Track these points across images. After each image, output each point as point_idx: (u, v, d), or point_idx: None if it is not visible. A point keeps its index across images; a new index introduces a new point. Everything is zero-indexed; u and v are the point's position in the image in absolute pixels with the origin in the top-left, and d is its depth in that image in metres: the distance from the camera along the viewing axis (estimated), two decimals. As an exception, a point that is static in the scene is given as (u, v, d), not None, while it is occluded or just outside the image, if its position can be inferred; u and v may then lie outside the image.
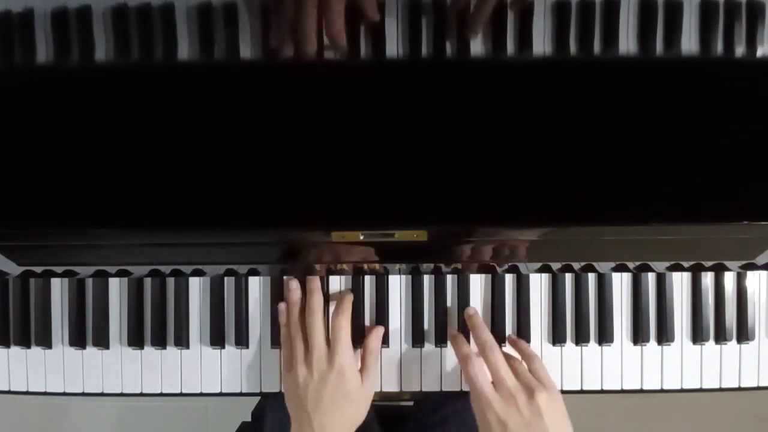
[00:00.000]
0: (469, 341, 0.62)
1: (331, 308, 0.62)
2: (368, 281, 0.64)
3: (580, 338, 0.63)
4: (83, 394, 0.65)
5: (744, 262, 0.63)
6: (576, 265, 0.64)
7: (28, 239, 0.60)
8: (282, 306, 0.63)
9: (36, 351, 0.65)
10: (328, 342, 0.59)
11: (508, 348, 0.63)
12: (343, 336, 0.59)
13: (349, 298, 0.62)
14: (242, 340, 0.64)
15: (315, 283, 0.62)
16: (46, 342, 0.64)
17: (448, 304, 0.64)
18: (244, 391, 0.65)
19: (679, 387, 0.64)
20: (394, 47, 0.55)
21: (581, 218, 0.56)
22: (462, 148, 0.56)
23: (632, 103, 0.55)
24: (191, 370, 0.64)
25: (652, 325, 0.64)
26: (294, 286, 0.62)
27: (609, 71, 0.56)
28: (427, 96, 0.56)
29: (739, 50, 0.55)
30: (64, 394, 0.65)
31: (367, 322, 0.64)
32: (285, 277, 0.63)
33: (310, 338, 0.59)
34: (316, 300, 0.61)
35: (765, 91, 0.55)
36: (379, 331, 0.62)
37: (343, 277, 0.64)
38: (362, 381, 0.59)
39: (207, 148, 0.56)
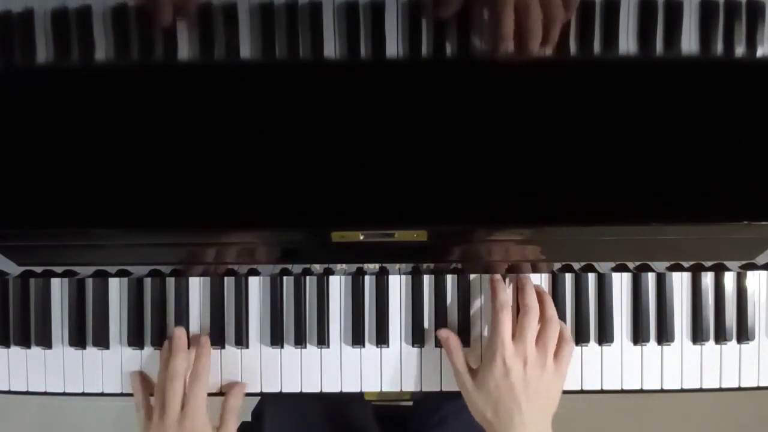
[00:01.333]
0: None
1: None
2: (368, 281, 0.64)
3: (580, 338, 0.63)
4: (83, 394, 0.65)
5: (744, 262, 0.63)
6: (576, 265, 0.64)
7: (28, 239, 0.60)
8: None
9: (36, 351, 0.65)
10: (182, 405, 0.59)
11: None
12: (197, 401, 0.59)
13: (207, 359, 0.61)
14: (242, 340, 0.64)
15: (180, 341, 0.61)
16: (46, 342, 0.64)
17: (448, 304, 0.64)
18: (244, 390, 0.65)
19: (679, 387, 0.64)
20: (394, 47, 0.55)
21: (581, 218, 0.56)
22: (462, 148, 0.56)
23: (632, 103, 0.55)
24: (191, 370, 0.64)
25: (652, 325, 0.63)
26: (165, 346, 0.62)
27: (609, 71, 0.56)
28: (427, 96, 0.56)
29: (739, 50, 0.55)
30: (64, 394, 0.65)
31: (367, 322, 0.64)
32: (174, 333, 0.62)
33: (166, 402, 0.58)
34: (180, 363, 0.60)
35: (765, 91, 0.55)
36: (241, 388, 0.62)
37: (343, 277, 0.64)
38: None
39: (207, 149, 0.56)
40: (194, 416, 0.58)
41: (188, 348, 0.61)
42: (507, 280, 0.63)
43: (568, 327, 0.62)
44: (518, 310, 0.61)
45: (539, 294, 0.61)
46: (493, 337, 0.58)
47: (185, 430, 0.57)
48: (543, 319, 0.60)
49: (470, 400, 0.59)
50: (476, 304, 0.64)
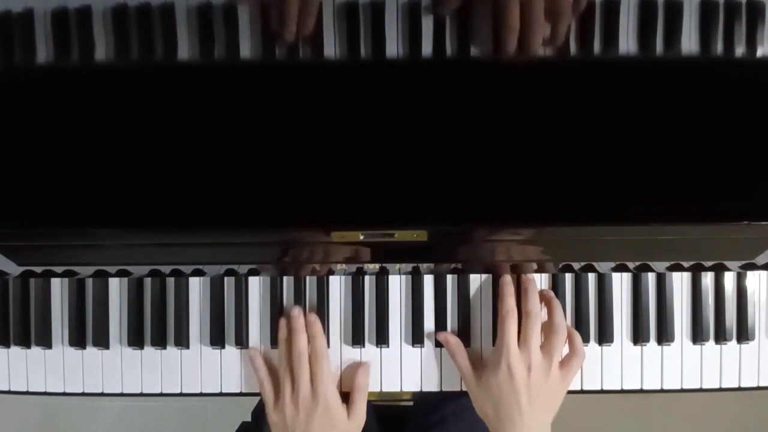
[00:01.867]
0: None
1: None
2: (368, 281, 0.64)
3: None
4: (83, 394, 0.65)
5: (744, 262, 0.63)
6: (576, 265, 0.64)
7: (28, 239, 0.60)
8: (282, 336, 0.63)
9: (36, 351, 0.65)
10: (311, 381, 0.60)
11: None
12: (325, 376, 0.60)
13: (321, 335, 0.62)
14: (242, 340, 0.64)
15: (299, 322, 0.62)
16: (46, 342, 0.64)
17: (448, 304, 0.64)
18: (244, 391, 0.65)
19: (679, 387, 0.64)
20: (394, 47, 0.55)
21: (581, 218, 0.56)
22: (462, 148, 0.56)
23: (632, 104, 0.55)
24: (191, 370, 0.64)
25: (652, 325, 0.64)
26: (283, 324, 0.63)
27: (609, 71, 0.56)
28: (427, 96, 0.56)
29: (739, 50, 0.55)
30: (64, 394, 0.65)
31: (367, 322, 0.64)
32: (280, 318, 0.63)
33: (295, 379, 0.60)
34: (303, 340, 0.61)
35: (765, 91, 0.55)
36: (367, 367, 0.63)
37: (343, 277, 0.64)
38: (348, 416, 0.60)
39: (207, 149, 0.56)
40: (326, 391, 0.59)
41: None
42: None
43: (580, 340, 0.62)
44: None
45: (547, 300, 0.62)
46: (499, 342, 0.59)
47: (319, 405, 0.59)
48: (549, 326, 0.60)
49: (473, 397, 0.60)
50: (476, 304, 0.64)
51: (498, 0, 0.53)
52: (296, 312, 0.62)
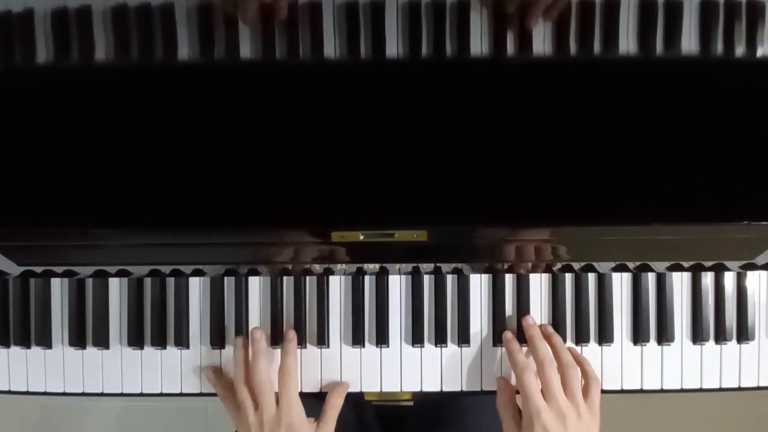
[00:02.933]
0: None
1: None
2: (368, 281, 0.64)
3: (580, 338, 0.63)
4: (83, 394, 0.65)
5: (744, 262, 0.63)
6: (576, 265, 0.64)
7: (28, 239, 0.60)
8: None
9: (36, 351, 0.65)
10: (277, 400, 0.59)
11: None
12: (291, 396, 0.59)
13: (293, 353, 0.61)
14: (242, 340, 0.64)
15: (261, 345, 0.61)
16: (46, 342, 0.64)
17: (448, 304, 0.64)
18: (244, 391, 0.64)
19: (679, 387, 0.64)
20: (394, 47, 0.55)
21: (581, 218, 0.56)
22: (462, 149, 0.56)
23: (632, 104, 0.55)
24: (191, 370, 0.64)
25: (652, 325, 0.63)
26: (240, 344, 0.62)
27: (609, 71, 0.56)
28: (427, 96, 0.56)
29: (739, 50, 0.55)
30: (64, 394, 0.65)
31: (367, 322, 0.64)
32: (236, 337, 0.63)
33: (259, 397, 0.59)
34: (264, 365, 0.60)
35: (765, 91, 0.55)
36: (344, 387, 0.63)
37: (343, 277, 0.64)
38: None
39: (207, 149, 0.56)
40: (291, 412, 0.58)
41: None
42: (508, 276, 0.64)
43: (590, 364, 0.62)
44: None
45: (548, 336, 0.61)
46: (525, 403, 0.58)
47: (285, 426, 0.58)
48: (560, 365, 0.59)
49: None
50: (476, 304, 0.64)
51: None
52: (258, 335, 0.61)
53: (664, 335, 0.63)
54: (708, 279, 0.63)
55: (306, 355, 0.64)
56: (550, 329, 0.62)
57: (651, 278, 0.64)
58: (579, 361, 0.61)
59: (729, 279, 0.64)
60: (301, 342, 0.63)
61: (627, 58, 0.55)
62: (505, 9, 0.55)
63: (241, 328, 0.63)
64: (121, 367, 0.65)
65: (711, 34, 0.55)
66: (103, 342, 0.64)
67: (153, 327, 0.64)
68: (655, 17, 0.55)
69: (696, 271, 0.63)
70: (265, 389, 0.59)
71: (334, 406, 0.62)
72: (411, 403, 0.82)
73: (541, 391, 0.57)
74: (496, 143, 0.56)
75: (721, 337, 0.63)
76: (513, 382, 0.62)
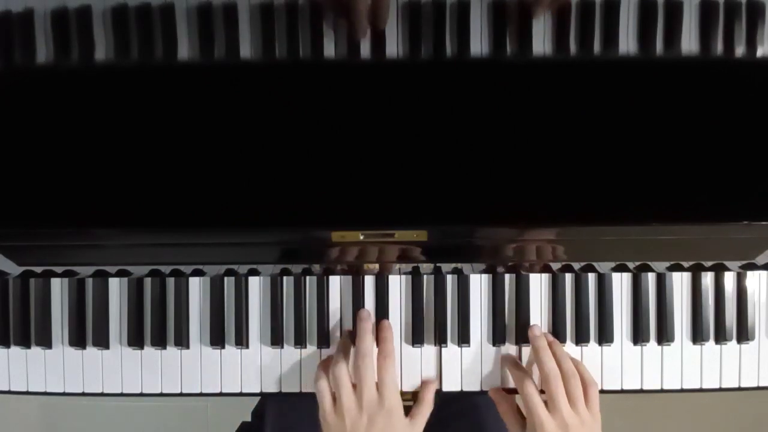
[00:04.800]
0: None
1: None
2: (368, 281, 0.64)
3: (580, 338, 0.63)
4: (83, 394, 0.65)
5: (744, 262, 0.63)
6: (576, 265, 0.64)
7: (28, 239, 0.60)
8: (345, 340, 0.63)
9: (36, 351, 0.65)
10: (376, 384, 0.59)
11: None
12: (391, 380, 0.59)
13: (391, 339, 0.62)
14: (242, 340, 0.64)
15: (367, 324, 0.62)
16: (46, 342, 0.64)
17: (448, 304, 0.64)
18: (244, 391, 0.65)
19: (679, 387, 0.64)
20: (394, 47, 0.55)
21: (582, 218, 0.56)
22: (462, 149, 0.56)
23: (632, 103, 0.55)
24: (191, 370, 0.64)
25: (652, 325, 0.63)
26: (345, 334, 0.63)
27: (609, 71, 0.56)
28: (427, 96, 0.56)
29: (739, 50, 0.55)
30: (64, 394, 0.65)
31: (367, 322, 0.64)
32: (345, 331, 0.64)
33: (360, 381, 0.58)
34: (368, 342, 0.60)
35: (765, 91, 0.55)
36: (434, 384, 0.63)
37: (343, 278, 0.64)
38: (409, 425, 0.60)
39: (207, 149, 0.56)
40: (390, 396, 0.58)
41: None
42: (508, 276, 0.64)
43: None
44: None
45: (550, 347, 0.61)
46: (529, 416, 0.58)
47: (384, 408, 0.57)
48: (562, 375, 0.59)
49: None
50: (476, 304, 0.64)
51: None
52: (365, 314, 0.62)
53: (664, 335, 0.63)
54: (708, 279, 0.63)
55: (306, 355, 0.64)
56: (551, 337, 0.63)
57: (651, 278, 0.64)
58: (575, 364, 0.61)
59: (729, 279, 0.64)
60: (301, 342, 0.63)
61: (627, 58, 0.55)
62: (505, 9, 0.55)
63: (241, 328, 0.63)
64: (121, 367, 0.65)
65: (711, 34, 0.55)
66: (103, 342, 0.64)
67: (153, 327, 0.64)
68: (655, 17, 0.55)
69: (696, 271, 0.63)
70: (368, 371, 0.59)
71: (428, 402, 0.62)
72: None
73: (545, 401, 0.58)
74: (496, 143, 0.56)
75: (721, 337, 0.63)
76: (511, 384, 0.63)
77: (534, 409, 0.57)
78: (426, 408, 0.62)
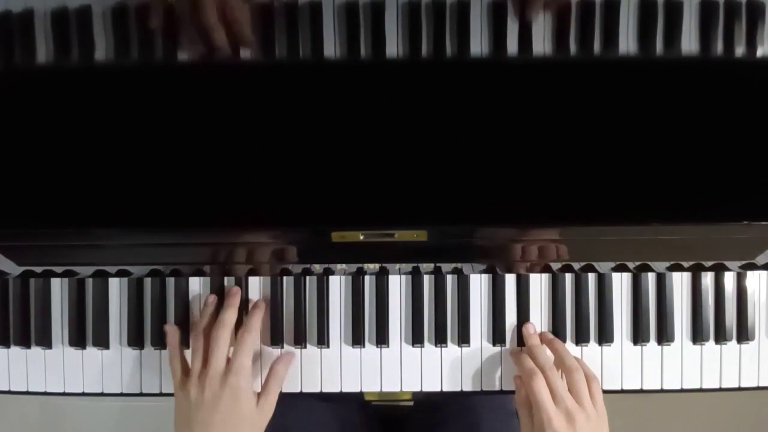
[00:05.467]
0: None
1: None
2: (368, 281, 0.64)
3: (580, 338, 0.63)
4: (83, 394, 0.65)
5: (744, 262, 0.63)
6: (576, 265, 0.64)
7: (28, 239, 0.60)
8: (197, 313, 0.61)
9: (36, 351, 0.65)
10: (228, 360, 0.57)
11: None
12: (244, 354, 0.56)
13: (259, 315, 0.59)
14: (242, 340, 0.63)
15: (235, 299, 0.60)
16: (46, 342, 0.64)
17: (448, 304, 0.64)
18: (244, 391, 0.64)
19: (679, 387, 0.64)
20: (394, 47, 0.55)
21: (582, 218, 0.56)
22: (462, 149, 0.56)
23: (632, 104, 0.55)
24: (191, 370, 0.64)
25: (652, 325, 0.63)
26: (211, 300, 0.61)
27: (609, 71, 0.56)
28: (427, 96, 0.56)
29: (739, 50, 0.55)
30: (64, 394, 0.65)
31: (367, 322, 0.64)
32: (209, 295, 0.62)
33: (210, 352, 0.56)
34: (229, 315, 0.58)
35: (765, 91, 0.55)
36: (289, 357, 0.61)
37: (343, 277, 0.64)
38: (258, 404, 0.57)
39: (207, 149, 0.56)
40: (238, 371, 0.55)
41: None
42: (508, 276, 0.64)
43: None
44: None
45: (548, 342, 0.62)
46: (536, 410, 0.58)
47: (229, 386, 0.54)
48: (565, 370, 0.59)
49: None
50: (476, 304, 0.64)
51: None
52: (235, 290, 0.61)
53: (664, 335, 0.63)
54: (708, 279, 0.63)
55: (306, 355, 0.64)
56: (550, 335, 0.62)
57: (651, 278, 0.64)
58: (581, 361, 0.61)
59: (729, 279, 0.64)
60: (301, 342, 0.63)
61: (627, 58, 0.55)
62: (505, 9, 0.55)
63: (241, 328, 0.63)
64: (121, 367, 0.65)
65: (711, 34, 0.55)
66: (103, 342, 0.64)
67: (153, 327, 0.64)
68: (655, 17, 0.55)
69: (696, 271, 0.63)
70: (221, 344, 0.56)
71: (278, 376, 0.59)
72: (411, 403, 0.83)
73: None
74: (496, 143, 0.56)
75: (721, 337, 0.63)
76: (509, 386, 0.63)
77: (542, 403, 0.57)
78: (275, 383, 0.58)
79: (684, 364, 0.64)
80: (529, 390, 0.58)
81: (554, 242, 0.61)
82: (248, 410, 0.56)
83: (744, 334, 0.63)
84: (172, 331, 0.61)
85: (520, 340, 0.63)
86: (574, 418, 0.56)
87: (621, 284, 0.64)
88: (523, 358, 0.61)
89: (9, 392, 0.65)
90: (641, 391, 0.64)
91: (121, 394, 0.64)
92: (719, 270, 0.63)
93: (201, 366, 0.56)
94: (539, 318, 0.64)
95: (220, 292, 0.64)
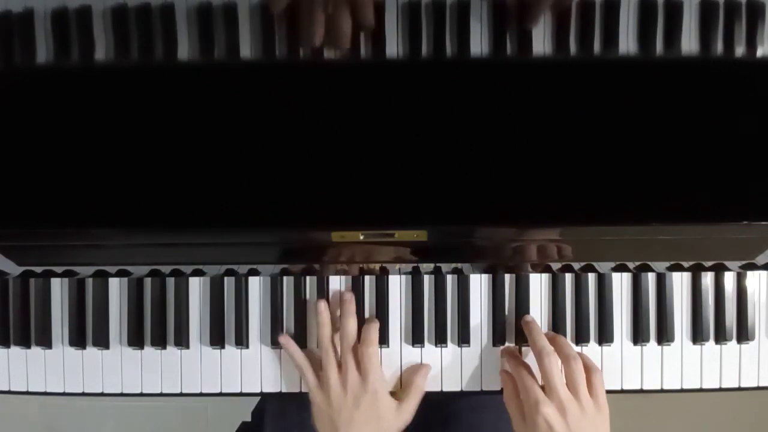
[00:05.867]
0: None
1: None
2: (368, 281, 0.64)
3: (580, 338, 0.63)
4: (83, 394, 0.65)
5: (744, 262, 0.63)
6: (576, 265, 0.64)
7: (28, 239, 0.60)
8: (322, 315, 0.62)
9: (36, 351, 0.65)
10: (358, 368, 0.60)
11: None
12: (374, 365, 0.59)
13: (376, 328, 0.62)
14: (242, 340, 0.64)
15: (352, 305, 0.62)
16: (46, 342, 0.64)
17: (448, 304, 0.64)
18: (244, 391, 0.65)
19: (679, 387, 0.64)
20: (394, 47, 0.55)
21: (581, 218, 0.56)
22: (462, 149, 0.56)
23: (632, 104, 0.56)
24: (191, 370, 0.64)
25: (652, 325, 0.63)
26: (323, 308, 0.62)
27: (609, 71, 0.56)
28: (427, 96, 0.56)
29: (739, 50, 0.55)
30: (64, 394, 0.65)
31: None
32: (318, 300, 0.63)
33: (343, 361, 0.60)
34: (353, 324, 0.61)
35: (765, 91, 0.55)
36: (426, 369, 0.63)
37: (343, 277, 0.64)
38: (396, 409, 0.60)
39: (207, 149, 0.56)
40: (375, 379, 0.58)
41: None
42: (508, 276, 0.64)
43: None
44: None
45: (552, 339, 0.60)
46: (525, 400, 0.57)
47: (368, 391, 0.58)
48: (562, 358, 0.58)
49: None
50: (476, 304, 0.64)
51: None
52: (348, 296, 0.62)
53: (664, 335, 0.63)
54: (708, 279, 0.63)
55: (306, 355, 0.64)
56: (552, 333, 0.62)
57: (651, 278, 0.64)
58: (584, 356, 0.60)
59: (729, 279, 0.64)
60: (301, 342, 0.63)
61: (627, 58, 0.55)
62: (506, 9, 0.55)
63: (241, 328, 0.63)
64: (121, 367, 0.65)
65: (711, 35, 0.55)
66: (103, 342, 0.64)
67: (153, 327, 0.64)
68: (655, 17, 0.55)
69: (696, 271, 0.63)
70: (351, 349, 0.59)
71: (420, 387, 0.62)
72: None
73: (542, 386, 0.57)
74: (496, 143, 0.56)
75: (721, 337, 0.63)
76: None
77: (529, 389, 0.56)
78: (415, 394, 0.61)
79: (684, 364, 0.64)
80: (519, 382, 0.58)
81: (554, 242, 0.61)
82: (387, 409, 0.59)
83: (744, 334, 0.63)
84: (293, 345, 0.62)
85: (520, 340, 0.63)
86: (565, 409, 0.54)
87: (621, 284, 0.64)
88: (512, 354, 0.61)
89: (9, 392, 0.65)
90: (641, 391, 0.64)
91: (121, 394, 0.64)
92: (719, 270, 0.63)
93: (337, 372, 0.60)
94: (539, 318, 0.64)
95: (220, 292, 0.64)
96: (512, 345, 0.63)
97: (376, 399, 0.58)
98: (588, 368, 0.58)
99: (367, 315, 0.64)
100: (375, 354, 0.60)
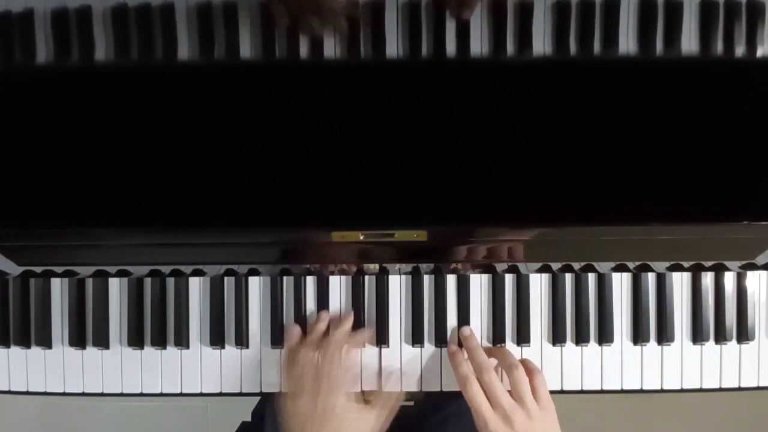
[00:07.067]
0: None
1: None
2: (368, 281, 0.64)
3: (580, 338, 0.63)
4: (83, 394, 0.65)
5: (744, 262, 0.63)
6: (576, 265, 0.64)
7: (28, 239, 0.60)
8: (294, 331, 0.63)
9: (36, 351, 0.65)
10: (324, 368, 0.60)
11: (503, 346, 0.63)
12: (334, 365, 0.59)
13: (349, 326, 0.63)
14: (242, 340, 0.64)
15: (348, 322, 0.63)
16: (46, 342, 0.64)
17: (448, 304, 0.64)
18: (244, 391, 0.65)
19: (679, 387, 0.64)
20: (394, 47, 0.55)
21: (581, 218, 0.56)
22: (462, 149, 0.56)
23: (631, 103, 0.56)
24: (191, 370, 0.64)
25: (652, 325, 0.63)
26: (324, 317, 0.63)
27: (609, 71, 0.56)
28: (426, 96, 0.56)
29: (739, 50, 0.55)
30: (64, 394, 0.65)
31: (367, 322, 0.64)
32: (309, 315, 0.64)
33: (309, 361, 0.60)
34: (341, 329, 0.62)
35: (765, 91, 0.55)
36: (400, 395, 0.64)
37: (343, 278, 0.64)
38: (358, 410, 0.60)
39: (207, 149, 0.56)
40: (333, 378, 0.59)
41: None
42: (508, 276, 0.64)
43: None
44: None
45: (490, 351, 0.61)
46: (475, 415, 0.58)
47: (326, 375, 0.59)
48: (504, 367, 0.59)
49: None
50: (476, 304, 0.64)
51: None
52: (324, 315, 0.63)
53: (664, 335, 0.63)
54: (708, 279, 0.63)
55: (306, 355, 0.64)
56: (493, 346, 0.63)
57: (651, 278, 0.64)
58: (525, 361, 0.61)
59: (729, 279, 0.64)
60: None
61: (627, 58, 0.55)
62: (505, 9, 0.55)
63: (241, 328, 0.63)
64: (121, 367, 0.65)
65: (711, 34, 0.55)
66: (103, 342, 0.64)
67: (153, 327, 0.64)
68: (655, 17, 0.55)
69: (696, 271, 0.63)
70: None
71: (386, 394, 0.62)
72: (411, 403, 0.82)
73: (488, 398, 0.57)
74: (496, 143, 0.56)
75: (721, 337, 0.63)
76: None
77: (478, 408, 0.57)
78: (383, 398, 0.61)
79: (684, 364, 0.64)
80: (465, 395, 0.58)
81: (554, 242, 0.61)
82: (348, 413, 0.59)
83: (744, 334, 0.63)
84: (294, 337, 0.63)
85: (519, 340, 0.63)
86: (511, 419, 0.55)
87: (621, 284, 0.64)
88: (457, 364, 0.61)
89: (9, 392, 0.65)
90: (641, 391, 0.64)
91: (121, 394, 0.64)
92: (719, 270, 0.63)
93: (312, 380, 0.60)
94: (539, 318, 0.64)
95: (220, 292, 0.64)
96: (512, 353, 0.63)
97: (330, 398, 0.58)
98: (529, 371, 0.59)
99: (367, 315, 0.64)
100: (337, 353, 0.60)
